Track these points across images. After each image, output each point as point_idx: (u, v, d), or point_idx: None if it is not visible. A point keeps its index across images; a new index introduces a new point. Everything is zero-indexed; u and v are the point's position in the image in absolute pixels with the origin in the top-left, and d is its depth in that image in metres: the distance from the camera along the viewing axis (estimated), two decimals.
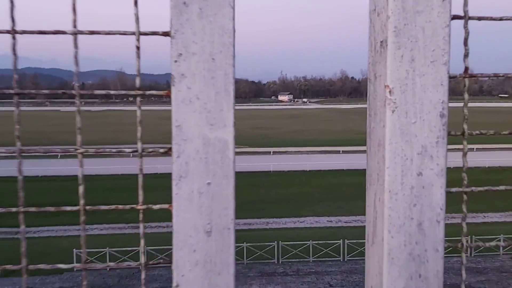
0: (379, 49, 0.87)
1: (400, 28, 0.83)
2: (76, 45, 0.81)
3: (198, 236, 0.85)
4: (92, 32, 0.82)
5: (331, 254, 20.24)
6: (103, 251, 19.24)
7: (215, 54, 0.82)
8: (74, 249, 19.61)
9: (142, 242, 0.88)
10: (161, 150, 0.86)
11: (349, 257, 20.03)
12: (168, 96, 0.83)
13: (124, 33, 0.83)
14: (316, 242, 20.49)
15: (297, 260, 19.39)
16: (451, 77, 0.87)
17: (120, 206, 0.89)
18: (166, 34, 0.83)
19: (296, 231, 25.28)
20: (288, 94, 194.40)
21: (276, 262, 19.42)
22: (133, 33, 0.83)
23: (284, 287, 10.44)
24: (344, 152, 52.10)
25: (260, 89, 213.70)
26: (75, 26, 0.81)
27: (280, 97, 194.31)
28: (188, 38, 0.82)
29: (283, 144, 56.51)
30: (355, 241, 20.81)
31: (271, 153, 51.54)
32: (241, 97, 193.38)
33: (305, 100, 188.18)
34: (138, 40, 0.83)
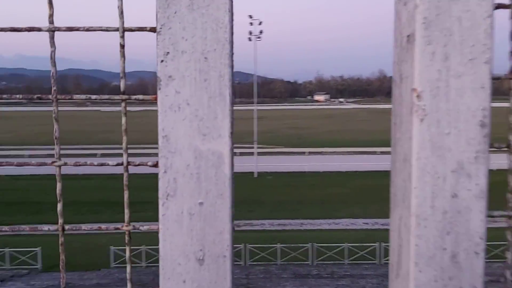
0: (406, 45, 0.71)
1: (431, 20, 0.67)
2: (52, 43, 0.71)
3: (188, 264, 0.72)
4: (69, 29, 0.71)
5: (366, 257, 19.82)
6: (139, 248, 19.54)
7: (208, 52, 0.69)
8: (111, 246, 20.01)
9: (128, 267, 0.77)
10: (149, 164, 0.74)
11: (385, 260, 19.56)
12: (155, 101, 0.71)
13: (107, 30, 0.71)
14: (352, 244, 20.13)
15: (332, 262, 19.07)
16: (495, 79, 0.70)
17: (104, 226, 0.79)
18: (153, 30, 0.71)
19: (331, 233, 24.93)
20: (324, 94, 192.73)
21: (310, 264, 19.19)
22: (116, 29, 0.71)
23: None
24: (381, 153, 51.09)
25: (296, 88, 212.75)
26: (51, 22, 0.71)
27: (316, 97, 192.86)
28: (176, 33, 0.69)
29: (318, 145, 55.97)
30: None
31: (307, 153, 51.14)
32: (276, 97, 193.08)
33: (341, 100, 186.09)
34: (122, 37, 0.71)
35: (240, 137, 66.21)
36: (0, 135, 71.63)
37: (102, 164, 0.81)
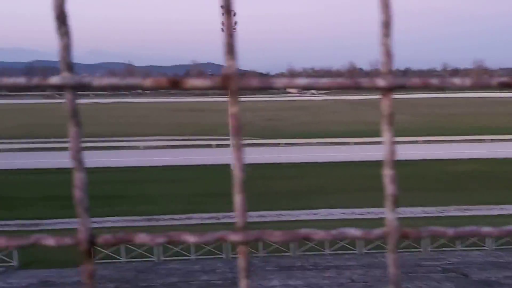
0: None
1: None
2: None
3: None
4: None
5: (347, 247, 20.07)
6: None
7: None
8: None
9: None
10: None
11: (366, 250, 19.84)
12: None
13: None
14: None
15: (313, 253, 19.21)
16: None
17: None
18: None
19: (310, 224, 25.12)
20: None
21: (292, 255, 19.28)
22: None
23: (306, 282, 10.19)
24: (355, 143, 51.75)
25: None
26: None
27: (289, 89, 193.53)
28: None
29: (293, 136, 56.20)
30: None
31: (282, 145, 51.31)
32: (249, 89, 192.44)
33: (313, 91, 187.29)
34: None
35: (214, 130, 65.88)
36: None
37: None
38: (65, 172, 37.30)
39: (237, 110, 0.56)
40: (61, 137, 57.31)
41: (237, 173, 0.55)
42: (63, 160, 40.68)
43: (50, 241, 0.56)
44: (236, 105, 0.56)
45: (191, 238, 0.54)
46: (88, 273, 0.55)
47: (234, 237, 0.55)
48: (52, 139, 55.46)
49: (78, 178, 0.53)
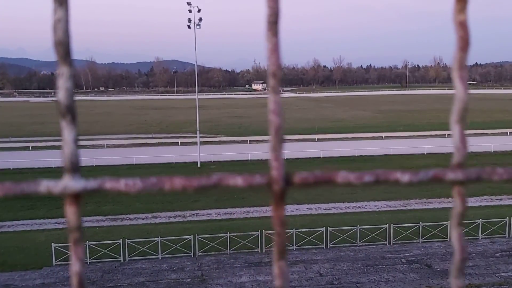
0: None
1: None
2: None
3: None
4: None
5: (314, 242, 20.30)
6: (83, 244, 18.76)
7: None
8: (52, 243, 19.07)
9: None
10: None
11: (331, 244, 20.14)
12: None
13: None
14: (299, 230, 20.50)
15: None
16: None
17: None
18: None
19: None
20: (262, 83, 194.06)
21: (260, 252, 19.36)
22: None
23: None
24: (319, 140, 52.39)
25: (234, 78, 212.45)
26: None
27: (255, 86, 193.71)
28: None
29: (259, 133, 56.33)
30: (337, 228, 20.92)
31: (248, 142, 51.36)
32: (215, 86, 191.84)
33: (280, 88, 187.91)
34: None
35: (180, 127, 65.27)
36: None
37: None
38: (23, 173, 36.15)
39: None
40: (19, 136, 55.47)
41: None
42: (21, 160, 39.41)
43: (238, 181, 0.47)
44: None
45: (403, 177, 0.46)
46: (281, 220, 0.47)
47: (452, 175, 0.47)
48: (10, 139, 53.59)
49: None
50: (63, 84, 0.45)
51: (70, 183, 0.43)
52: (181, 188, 0.44)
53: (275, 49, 0.48)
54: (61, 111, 0.46)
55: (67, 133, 0.45)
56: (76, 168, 0.44)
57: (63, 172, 0.44)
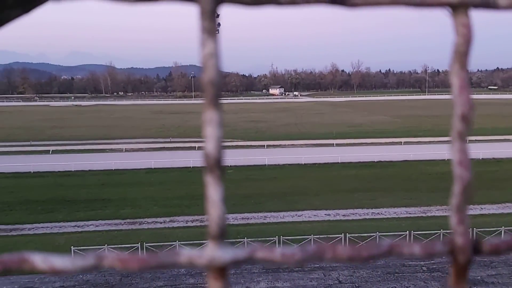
0: None
1: None
2: None
3: None
4: None
5: None
6: (102, 248, 18.91)
7: None
8: (71, 247, 19.26)
9: None
10: None
11: None
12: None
13: None
14: (317, 236, 20.35)
15: None
16: None
17: None
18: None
19: (295, 225, 25.12)
20: (279, 88, 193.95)
21: None
22: None
23: (293, 284, 10.14)
24: (337, 145, 52.04)
25: (251, 82, 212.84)
26: None
27: (271, 91, 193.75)
28: None
29: (276, 138, 56.27)
30: (356, 234, 20.70)
31: (265, 147, 51.30)
32: (231, 91, 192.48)
33: (296, 93, 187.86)
34: None
35: (197, 131, 65.48)
36: None
37: None
38: (44, 176, 36.65)
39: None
40: (40, 140, 56.34)
41: None
42: (42, 163, 39.95)
43: (415, 249, 0.36)
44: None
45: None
46: None
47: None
48: (31, 143, 54.48)
49: None
50: (211, 132, 0.39)
51: (217, 253, 0.36)
52: (346, 258, 0.38)
53: (464, 86, 0.40)
54: (209, 164, 0.39)
55: (214, 192, 0.38)
56: (224, 235, 0.37)
57: (206, 239, 0.37)
